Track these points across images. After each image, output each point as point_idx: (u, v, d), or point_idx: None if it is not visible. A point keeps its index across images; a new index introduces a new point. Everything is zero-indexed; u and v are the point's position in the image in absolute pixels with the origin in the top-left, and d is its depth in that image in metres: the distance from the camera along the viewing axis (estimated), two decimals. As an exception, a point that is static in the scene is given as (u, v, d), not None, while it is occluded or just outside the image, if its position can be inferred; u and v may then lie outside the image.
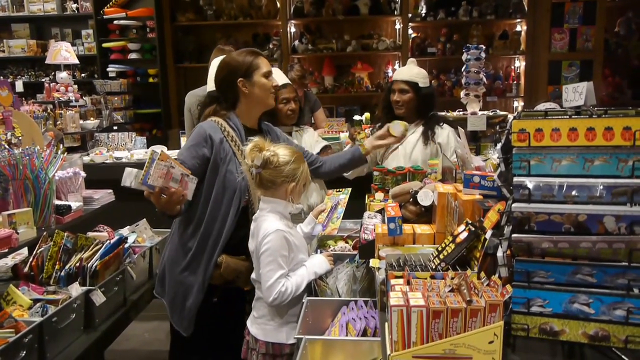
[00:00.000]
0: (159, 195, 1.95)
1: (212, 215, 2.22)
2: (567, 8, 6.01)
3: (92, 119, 5.22)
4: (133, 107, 6.82)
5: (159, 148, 2.01)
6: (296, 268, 2.10)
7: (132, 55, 6.82)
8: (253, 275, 2.15)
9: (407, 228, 1.91)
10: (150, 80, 6.82)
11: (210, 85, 2.65)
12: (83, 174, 3.01)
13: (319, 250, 2.32)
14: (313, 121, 5.05)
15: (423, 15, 6.46)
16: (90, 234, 2.85)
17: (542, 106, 1.82)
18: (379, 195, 2.82)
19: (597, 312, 1.20)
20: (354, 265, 2.22)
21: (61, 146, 3.13)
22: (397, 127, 2.66)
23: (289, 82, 3.41)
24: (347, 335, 1.82)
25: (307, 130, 3.54)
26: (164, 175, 1.96)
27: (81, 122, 5.09)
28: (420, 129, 3.26)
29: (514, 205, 1.27)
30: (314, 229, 2.32)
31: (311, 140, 3.51)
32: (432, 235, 1.87)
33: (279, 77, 3.43)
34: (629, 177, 1.22)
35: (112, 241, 2.59)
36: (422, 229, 1.92)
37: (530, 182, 1.26)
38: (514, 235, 1.25)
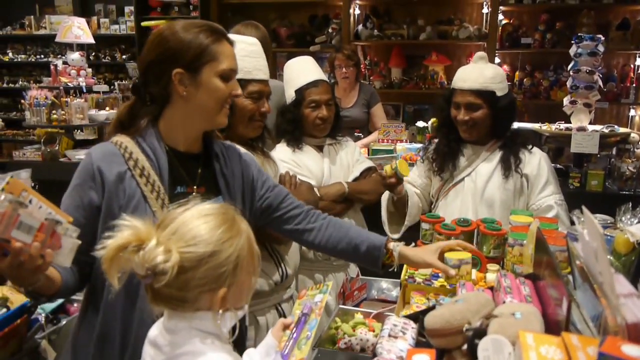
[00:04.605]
0: None
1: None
2: None
3: (108, 108, 4.44)
4: (170, 96, 6.06)
5: (26, 173, 1.07)
6: None
7: (173, 36, 6.05)
8: None
9: None
10: (192, 65, 6.02)
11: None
12: None
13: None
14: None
15: (518, -4, 5.19)
16: None
17: None
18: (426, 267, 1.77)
19: None
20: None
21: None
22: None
23: (323, 78, 2.39)
24: None
25: (345, 145, 2.53)
26: (4, 218, 1.04)
27: (94, 112, 4.33)
28: (498, 154, 2.18)
29: None
30: None
31: (350, 158, 2.50)
32: None
33: (308, 70, 2.41)
34: None
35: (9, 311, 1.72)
36: None
37: None
38: None
